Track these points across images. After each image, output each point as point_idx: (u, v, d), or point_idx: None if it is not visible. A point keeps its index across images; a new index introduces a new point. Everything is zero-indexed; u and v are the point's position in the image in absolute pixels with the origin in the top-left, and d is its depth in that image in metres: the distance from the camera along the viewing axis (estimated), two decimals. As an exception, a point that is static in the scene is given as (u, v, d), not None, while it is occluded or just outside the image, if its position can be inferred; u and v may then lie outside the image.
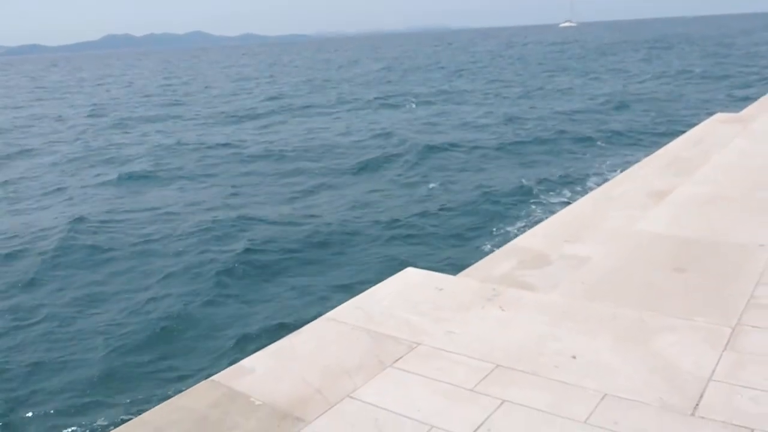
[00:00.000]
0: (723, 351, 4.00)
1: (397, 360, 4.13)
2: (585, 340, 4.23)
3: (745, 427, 3.26)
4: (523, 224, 11.47)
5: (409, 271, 5.70)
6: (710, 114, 15.48)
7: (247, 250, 10.70)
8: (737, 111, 15.25)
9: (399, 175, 16.31)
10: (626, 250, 5.94)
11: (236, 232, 11.89)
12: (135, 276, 10.31)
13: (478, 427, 3.40)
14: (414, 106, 30.94)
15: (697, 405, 3.48)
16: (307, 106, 33.49)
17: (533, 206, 12.86)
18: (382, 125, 24.35)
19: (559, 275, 5.57)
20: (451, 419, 3.48)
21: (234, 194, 15.23)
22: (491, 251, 7.14)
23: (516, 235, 8.87)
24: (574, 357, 4.03)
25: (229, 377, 4.05)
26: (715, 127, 13.41)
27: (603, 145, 18.86)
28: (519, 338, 4.31)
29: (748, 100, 20.30)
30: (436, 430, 3.41)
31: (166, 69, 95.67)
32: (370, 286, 5.41)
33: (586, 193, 10.23)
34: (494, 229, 11.44)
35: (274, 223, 12.50)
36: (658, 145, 11.93)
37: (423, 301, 4.98)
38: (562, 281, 5.34)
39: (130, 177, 17.74)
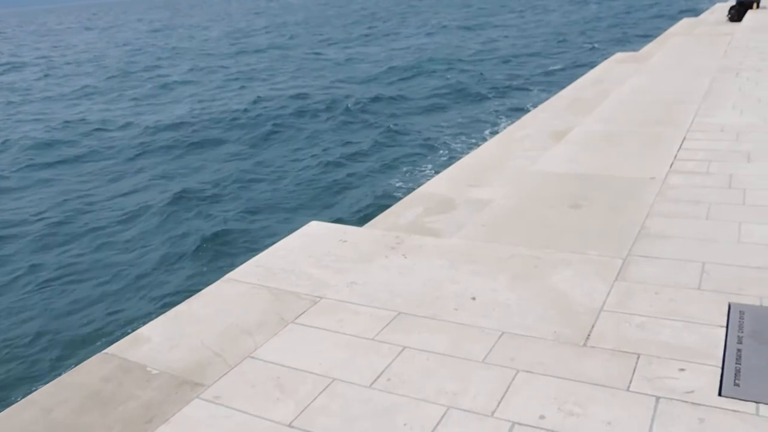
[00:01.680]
0: (614, 282, 4.15)
1: (299, 315, 4.06)
2: (484, 281, 4.29)
3: (632, 353, 3.40)
4: (432, 169, 11.56)
5: (313, 225, 5.60)
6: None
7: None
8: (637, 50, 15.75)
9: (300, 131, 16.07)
10: (526, 191, 6.05)
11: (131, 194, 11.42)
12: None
13: (379, 375, 3.40)
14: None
15: (588, 335, 3.59)
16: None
17: (442, 151, 12.97)
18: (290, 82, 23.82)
19: (462, 219, 5.62)
20: (353, 370, 3.46)
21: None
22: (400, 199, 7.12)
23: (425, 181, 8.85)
24: (473, 298, 4.08)
25: (123, 348, 3.88)
26: (613, 66, 13.81)
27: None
28: (420, 284, 4.32)
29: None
30: (338, 382, 3.39)
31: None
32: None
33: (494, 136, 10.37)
34: (404, 177, 11.48)
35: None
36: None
37: (326, 254, 4.91)
38: (465, 225, 5.39)
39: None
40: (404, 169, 11.66)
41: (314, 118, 16.03)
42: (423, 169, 11.89)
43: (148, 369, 3.64)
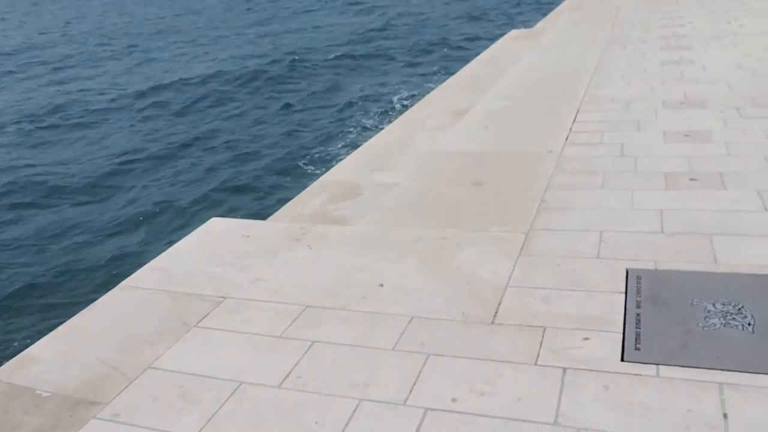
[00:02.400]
0: (518, 257, 4.19)
1: (202, 319, 3.88)
2: (391, 266, 4.24)
3: (539, 326, 3.44)
4: (337, 153, 11.44)
5: (214, 222, 5.39)
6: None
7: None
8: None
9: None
10: (429, 172, 6.05)
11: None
12: None
13: (288, 374, 3.29)
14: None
15: (496, 313, 3.61)
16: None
17: (349, 134, 12.86)
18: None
19: (368, 205, 5.55)
20: (261, 371, 3.33)
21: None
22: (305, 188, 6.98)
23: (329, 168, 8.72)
24: (381, 285, 4.03)
25: (8, 372, 3.58)
26: (509, 43, 14.08)
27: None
28: (327, 275, 4.22)
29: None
30: (246, 386, 3.25)
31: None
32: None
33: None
34: (309, 164, 11.31)
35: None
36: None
37: (229, 251, 4.72)
38: (371, 211, 5.32)
39: None
40: (309, 155, 11.47)
41: (200, 103, 15.42)
42: (327, 154, 11.75)
43: (38, 392, 3.37)
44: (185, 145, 12.28)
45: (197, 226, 5.36)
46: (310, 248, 4.64)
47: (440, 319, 3.61)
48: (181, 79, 18.56)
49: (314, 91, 16.35)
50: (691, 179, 5.09)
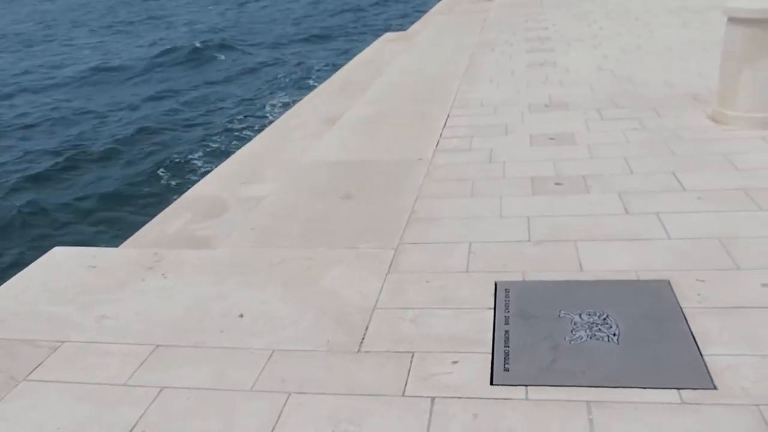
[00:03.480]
0: (386, 275, 4.00)
1: (33, 370, 3.40)
2: (253, 293, 3.93)
3: (407, 352, 3.25)
4: (204, 166, 10.87)
5: (56, 252, 4.83)
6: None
7: None
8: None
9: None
10: (297, 185, 5.77)
11: None
12: None
13: (132, 429, 2.90)
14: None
15: (362, 339, 3.39)
16: None
17: (214, 145, 12.27)
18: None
19: (235, 222, 5.21)
20: (100, 429, 2.93)
21: None
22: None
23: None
24: (241, 315, 3.71)
25: None
26: (384, 46, 14.05)
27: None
28: (182, 308, 3.85)
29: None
30: (79, 448, 2.84)
31: None
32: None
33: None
34: (171, 178, 10.64)
35: None
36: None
37: (71, 286, 4.22)
38: (235, 230, 4.97)
39: None
40: (172, 167, 10.79)
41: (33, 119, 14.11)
42: (192, 167, 11.14)
43: None
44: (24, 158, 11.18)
45: (38, 257, 4.79)
46: (165, 277, 4.24)
47: (303, 351, 3.34)
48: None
49: (180, 90, 15.50)
50: (557, 183, 5.12)
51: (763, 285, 3.54)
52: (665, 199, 4.68)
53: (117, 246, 5.21)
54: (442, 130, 6.80)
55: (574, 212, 4.60)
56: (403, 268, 4.07)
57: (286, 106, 14.47)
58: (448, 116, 7.29)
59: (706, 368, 2.95)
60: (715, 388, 2.84)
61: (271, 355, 3.33)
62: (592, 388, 2.89)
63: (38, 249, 5.60)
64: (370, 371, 3.14)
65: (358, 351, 3.31)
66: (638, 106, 7.01)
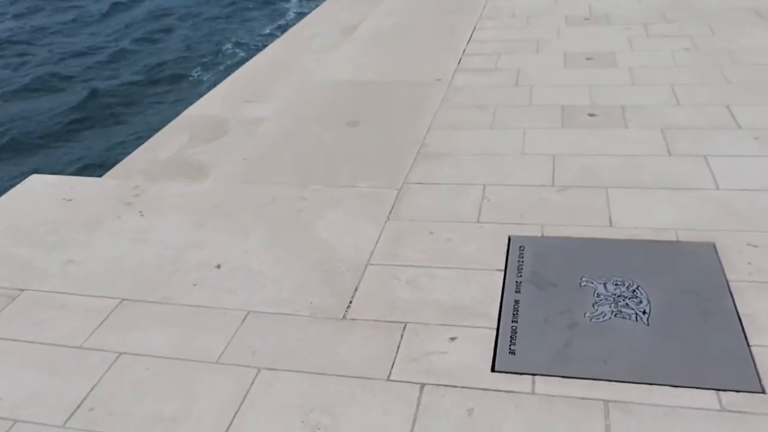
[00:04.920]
0: (385, 222, 3.52)
1: (-15, 324, 3.06)
2: (235, 240, 3.49)
3: (399, 322, 2.81)
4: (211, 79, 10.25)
5: (33, 180, 4.43)
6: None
7: None
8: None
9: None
10: (302, 107, 5.22)
11: None
12: None
13: (79, 406, 2.56)
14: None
15: (350, 303, 2.95)
16: None
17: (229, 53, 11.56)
18: None
19: (231, 148, 4.72)
20: (45, 402, 2.59)
21: None
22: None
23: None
24: (218, 266, 3.29)
25: None
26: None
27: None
28: (155, 254, 3.44)
29: None
30: (21, 425, 2.51)
31: None
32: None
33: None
34: (176, 94, 10.03)
35: None
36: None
37: (41, 222, 3.84)
38: (225, 159, 4.50)
39: None
40: (175, 83, 10.17)
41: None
42: (200, 79, 10.52)
43: None
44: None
45: (12, 186, 4.40)
46: (142, 216, 3.82)
47: (282, 315, 2.92)
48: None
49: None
50: (591, 114, 4.48)
51: (829, 254, 2.97)
52: (716, 138, 4.03)
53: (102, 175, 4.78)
54: (467, 45, 6.09)
55: (608, 151, 4.00)
56: (406, 214, 3.57)
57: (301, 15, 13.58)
58: (474, 29, 6.53)
59: (754, 364, 2.46)
60: (763, 391, 2.35)
61: (245, 318, 2.92)
62: (613, 383, 2.43)
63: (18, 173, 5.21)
64: (354, 345, 2.71)
65: (344, 318, 2.87)
66: (691, 21, 6.17)
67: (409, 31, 6.73)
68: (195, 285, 3.17)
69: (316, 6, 9.92)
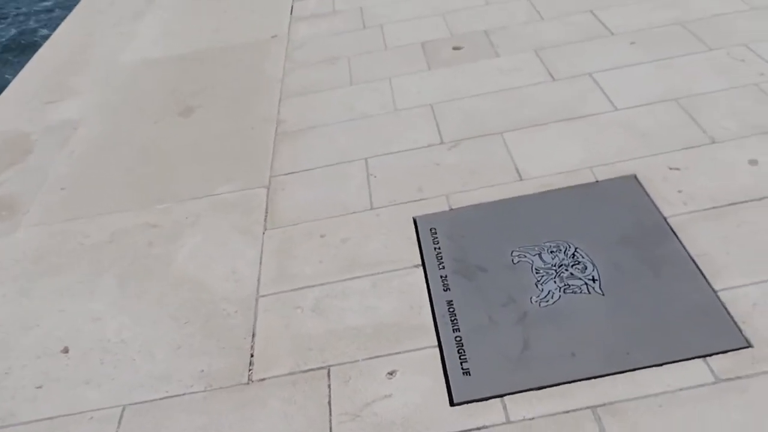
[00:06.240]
0: (263, 234, 2.87)
1: None
2: (77, 305, 2.70)
3: (320, 368, 2.24)
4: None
5: None
6: None
7: None
8: None
9: None
10: (118, 99, 4.32)
11: None
12: None
13: None
14: None
15: (251, 359, 2.33)
16: None
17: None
18: None
19: (41, 173, 3.78)
20: None
21: None
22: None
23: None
24: (65, 350, 2.51)
25: None
26: None
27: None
28: (-28, 352, 2.58)
29: None
30: None
31: None
32: None
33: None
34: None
35: None
36: None
37: None
38: (41, 190, 3.57)
39: None
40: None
41: None
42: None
43: None
44: None
45: None
46: (-59, 298, 2.88)
47: (168, 399, 2.25)
48: None
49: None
50: (455, 48, 4.00)
51: (751, 162, 2.75)
52: (594, 50, 3.71)
53: None
54: (293, -12, 5.34)
55: (488, 88, 3.56)
56: (284, 217, 2.94)
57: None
58: (296, -33, 5.76)
59: (729, 314, 2.16)
60: (749, 344, 2.07)
61: (121, 417, 2.22)
62: (591, 382, 2.04)
63: None
64: (274, 418, 2.11)
65: (249, 381, 2.26)
66: None
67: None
68: (39, 387, 2.39)
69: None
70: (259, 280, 2.64)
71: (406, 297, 2.43)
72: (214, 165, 3.38)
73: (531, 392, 2.04)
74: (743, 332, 2.10)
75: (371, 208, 2.88)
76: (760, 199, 2.56)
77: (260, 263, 2.71)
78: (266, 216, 2.96)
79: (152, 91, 4.24)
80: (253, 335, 2.41)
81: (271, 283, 2.61)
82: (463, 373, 2.13)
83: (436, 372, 2.15)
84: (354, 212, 2.88)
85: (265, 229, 2.88)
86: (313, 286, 2.56)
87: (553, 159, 2.95)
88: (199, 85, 4.17)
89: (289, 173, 3.21)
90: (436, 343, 2.24)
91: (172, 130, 3.77)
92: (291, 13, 4.90)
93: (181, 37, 4.93)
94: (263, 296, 2.56)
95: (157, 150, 3.62)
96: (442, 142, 3.20)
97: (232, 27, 4.91)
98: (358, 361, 2.24)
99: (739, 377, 1.98)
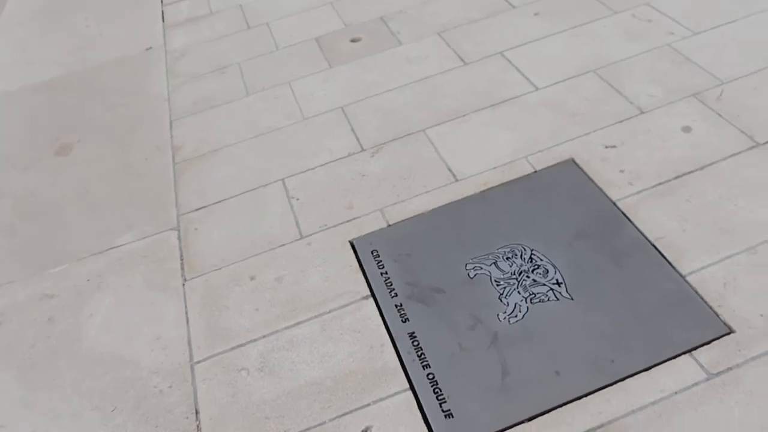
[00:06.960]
0: (183, 286, 2.52)
1: None
2: (-27, 411, 2.26)
3: (281, 440, 1.96)
4: None
5: None
6: None
7: None
8: None
9: None
10: (-23, 148, 3.72)
11: None
12: None
13: None
14: None
15: (199, 441, 2.02)
16: None
17: None
18: None
19: None
20: None
21: None
22: None
23: None
24: (-33, 471, 2.09)
25: None
26: None
27: None
28: None
29: None
30: None
31: None
32: None
33: None
34: None
35: None
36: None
37: None
38: None
39: None
40: None
41: None
42: None
43: None
44: None
45: None
46: None
47: None
48: None
49: None
50: (353, 40, 3.72)
51: (685, 129, 2.67)
52: (499, 27, 3.54)
53: None
54: (158, -9, 4.85)
55: (398, 81, 3.32)
56: (204, 261, 2.60)
57: None
58: (157, -33, 5.24)
59: (702, 300, 2.07)
60: (731, 330, 1.98)
61: None
62: (584, 401, 1.88)
63: None
64: None
65: (202, 471, 1.95)
66: None
67: (76, -6, 5.22)
68: None
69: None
70: (189, 343, 2.30)
71: (362, 336, 2.18)
72: (108, 211, 2.95)
73: (523, 425, 1.86)
74: (721, 317, 2.00)
75: (301, 237, 2.59)
76: (702, 168, 2.48)
77: (187, 322, 2.37)
78: (182, 263, 2.60)
79: (15, 132, 3.69)
80: (197, 412, 2.09)
81: (204, 345, 2.28)
82: (445, 416, 1.92)
83: (415, 420, 1.93)
84: (282, 244, 2.58)
85: (185, 280, 2.53)
86: (255, 340, 2.25)
87: (486, 152, 2.77)
88: (73, 116, 3.68)
89: (198, 208, 2.84)
90: (408, 386, 2.02)
91: (51, 176, 3.28)
92: (163, 20, 4.43)
93: (40, 62, 4.35)
94: (199, 362, 2.23)
95: (37, 202, 3.14)
96: (362, 149, 2.94)
97: (99, 43, 4.38)
98: (325, 422, 1.97)
99: (729, 368, 1.88)
